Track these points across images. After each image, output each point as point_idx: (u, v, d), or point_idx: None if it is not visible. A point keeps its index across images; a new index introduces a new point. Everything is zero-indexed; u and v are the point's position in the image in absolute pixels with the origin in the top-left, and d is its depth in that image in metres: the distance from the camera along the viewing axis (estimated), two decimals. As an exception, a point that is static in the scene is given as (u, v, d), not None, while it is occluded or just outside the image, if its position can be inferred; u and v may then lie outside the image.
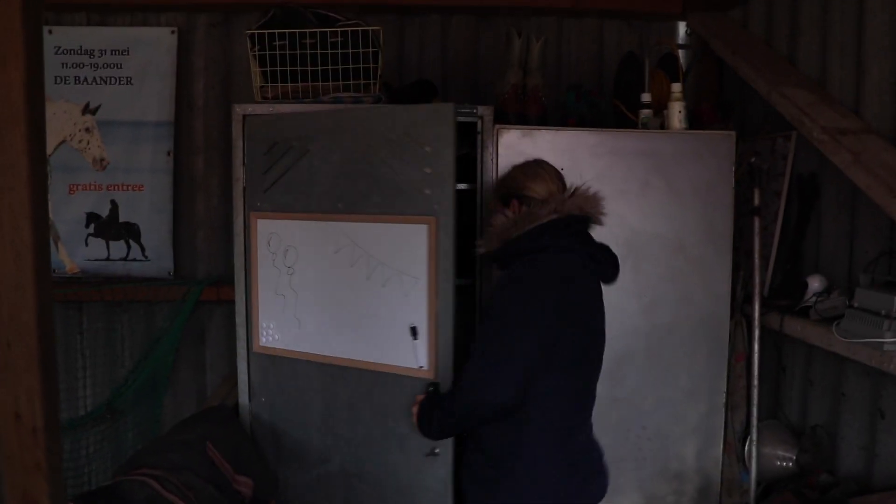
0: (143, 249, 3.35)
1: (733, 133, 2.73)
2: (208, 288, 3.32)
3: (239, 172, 2.63)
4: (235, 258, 2.68)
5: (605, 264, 2.07)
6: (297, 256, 2.54)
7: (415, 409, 2.14)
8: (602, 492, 2.07)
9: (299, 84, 2.65)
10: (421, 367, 2.35)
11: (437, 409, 2.04)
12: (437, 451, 2.35)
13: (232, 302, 2.74)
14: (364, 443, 2.50)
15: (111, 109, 3.29)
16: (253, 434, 2.70)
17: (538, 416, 1.91)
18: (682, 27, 3.54)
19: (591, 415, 2.09)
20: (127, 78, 3.29)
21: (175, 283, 3.37)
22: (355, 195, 2.45)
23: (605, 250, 2.09)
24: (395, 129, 2.37)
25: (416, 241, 2.33)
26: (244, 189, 2.64)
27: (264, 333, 2.63)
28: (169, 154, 3.33)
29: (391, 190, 2.39)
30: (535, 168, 2.12)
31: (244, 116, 2.62)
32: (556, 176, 2.10)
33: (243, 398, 2.71)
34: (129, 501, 1.89)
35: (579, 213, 2.01)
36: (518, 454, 1.92)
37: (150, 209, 3.34)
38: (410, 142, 2.35)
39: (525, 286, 1.90)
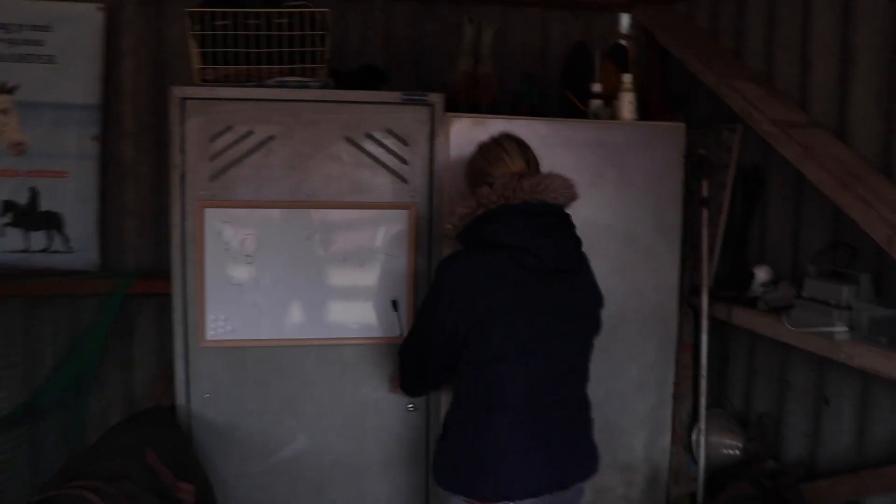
0: (66, 240, 3.12)
1: (683, 125, 2.75)
2: (138, 281, 3.11)
3: (177, 159, 2.48)
4: (173, 249, 2.52)
5: (547, 260, 1.96)
6: (258, 244, 2.55)
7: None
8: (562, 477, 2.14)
9: (242, 66, 2.51)
10: (402, 334, 2.56)
11: (400, 373, 2.30)
12: (409, 406, 2.68)
13: (163, 295, 2.59)
14: (336, 415, 2.66)
15: (31, 90, 3.03)
16: (192, 436, 2.57)
17: (465, 400, 2.04)
18: (625, 19, 3.54)
19: (556, 401, 2.12)
20: (49, 56, 3.04)
21: (102, 275, 3.15)
22: (325, 183, 2.57)
23: (561, 247, 2.02)
24: (377, 123, 2.57)
25: (395, 225, 2.61)
26: (182, 176, 2.49)
27: (213, 326, 2.54)
28: (95, 139, 3.11)
29: (368, 179, 2.59)
30: (497, 150, 2.11)
31: (183, 100, 2.46)
32: (520, 154, 2.08)
33: (181, 399, 2.57)
34: (64, 517, 1.74)
35: (534, 200, 1.96)
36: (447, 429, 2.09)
37: (74, 197, 3.11)
38: (392, 136, 2.59)
39: (441, 280, 2.00)
